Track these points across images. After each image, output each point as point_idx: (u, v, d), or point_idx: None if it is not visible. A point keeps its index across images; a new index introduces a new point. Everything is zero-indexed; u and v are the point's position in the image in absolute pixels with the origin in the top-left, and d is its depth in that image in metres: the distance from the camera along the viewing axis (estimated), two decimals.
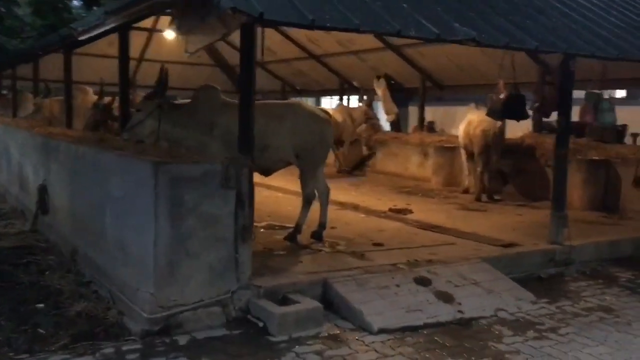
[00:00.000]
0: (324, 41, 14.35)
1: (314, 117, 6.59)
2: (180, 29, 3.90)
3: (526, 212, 9.08)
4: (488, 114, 8.92)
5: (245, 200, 4.66)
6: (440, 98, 17.58)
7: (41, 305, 5.18)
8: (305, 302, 4.67)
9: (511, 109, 8.12)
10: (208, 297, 4.55)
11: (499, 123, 9.86)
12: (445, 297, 5.07)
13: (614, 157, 9.40)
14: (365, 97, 15.71)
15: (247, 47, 4.47)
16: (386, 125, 16.27)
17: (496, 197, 10.19)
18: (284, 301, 4.76)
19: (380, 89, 15.05)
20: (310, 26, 3.92)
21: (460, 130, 10.69)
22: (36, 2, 10.32)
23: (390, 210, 8.95)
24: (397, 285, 5.14)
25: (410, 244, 6.67)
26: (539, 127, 11.22)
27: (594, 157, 9.43)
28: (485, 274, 5.64)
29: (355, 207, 9.17)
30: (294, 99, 6.64)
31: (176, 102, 6.80)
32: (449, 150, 11.92)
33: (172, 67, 16.31)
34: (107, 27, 3.88)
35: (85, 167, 6.00)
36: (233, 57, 17.53)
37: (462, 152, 10.79)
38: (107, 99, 8.35)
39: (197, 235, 4.48)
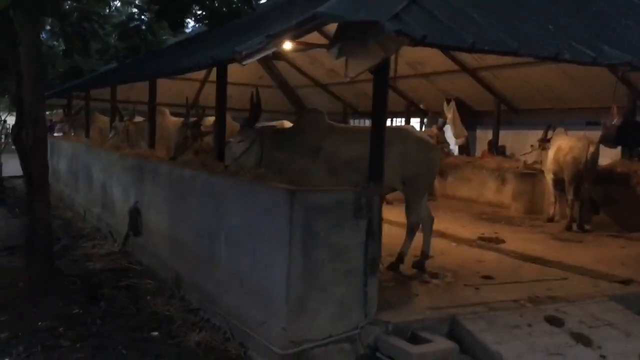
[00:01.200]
0: (392, 63, 14.18)
1: (423, 143, 6.35)
2: (340, 53, 3.75)
3: (627, 245, 8.58)
4: (601, 142, 8.53)
5: (375, 230, 4.43)
6: (511, 122, 17.18)
7: (155, 333, 5.05)
8: (439, 341, 4.39)
9: (626, 136, 7.71)
10: (336, 333, 4.31)
11: (591, 149, 9.44)
12: (584, 340, 4.71)
13: None
14: (430, 120, 15.49)
15: (382, 68, 4.28)
16: (455, 149, 15.94)
17: (586, 227, 9.71)
18: (414, 339, 4.49)
19: (450, 112, 14.77)
20: (470, 49, 3.72)
21: (548, 157, 10.27)
22: (121, 25, 10.45)
23: (480, 239, 8.61)
24: (529, 325, 4.81)
25: (520, 278, 6.31)
26: (629, 154, 10.72)
27: None
28: (617, 314, 5.25)
29: (442, 235, 8.83)
30: (403, 125, 6.43)
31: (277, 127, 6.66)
32: (530, 176, 11.50)
33: (231, 88, 16.48)
34: (268, 51, 3.75)
35: (192, 191, 5.88)
36: (292, 78, 17.55)
37: (549, 178, 10.36)
38: (193, 119, 8.30)
39: (327, 267, 4.27)
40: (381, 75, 4.40)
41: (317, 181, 5.50)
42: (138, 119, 11.99)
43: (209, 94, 16.91)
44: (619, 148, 10.59)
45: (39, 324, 5.19)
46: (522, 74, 12.20)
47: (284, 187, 4.29)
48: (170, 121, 11.31)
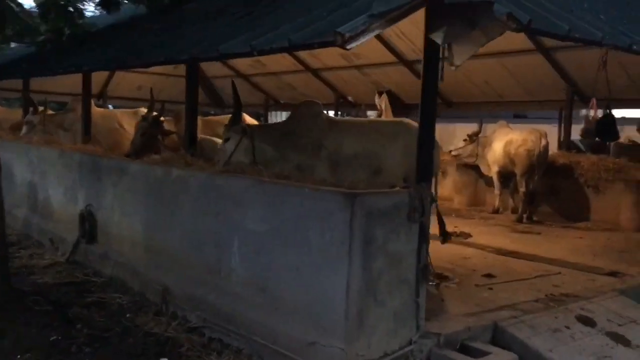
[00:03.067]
0: (326, 54, 13.85)
1: None
2: (446, 38, 3.31)
3: (584, 235, 8.82)
4: (583, 135, 8.63)
5: (427, 235, 4.06)
6: (439, 115, 17.41)
7: (165, 359, 4.37)
8: (498, 352, 4.11)
9: (605, 130, 7.84)
10: (392, 350, 3.90)
11: (544, 142, 9.65)
12: (622, 340, 4.63)
13: None
14: (359, 113, 15.38)
15: (432, 56, 3.89)
16: None
17: (534, 219, 9.92)
18: (464, 350, 4.17)
19: (382, 104, 14.67)
20: (564, 36, 3.43)
21: (494, 150, 10.37)
22: (43, 5, 9.23)
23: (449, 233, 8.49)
24: (567, 327, 4.65)
25: (519, 275, 6.21)
26: (566, 146, 11.10)
27: None
28: (634, 310, 5.24)
29: None
30: (404, 118, 6.05)
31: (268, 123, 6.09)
32: (471, 169, 11.62)
33: (147, 77, 15.47)
34: (371, 34, 3.22)
35: (184, 193, 5.19)
36: (211, 68, 16.72)
37: (494, 171, 10.47)
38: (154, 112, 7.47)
39: (384, 277, 3.84)
40: (432, 64, 4.01)
41: (319, 179, 5.05)
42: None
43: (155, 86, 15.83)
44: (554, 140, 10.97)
45: (18, 357, 4.33)
46: (462, 67, 12.25)
47: (340, 190, 3.80)
48: (97, 112, 10.32)
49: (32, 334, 4.75)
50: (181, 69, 15.81)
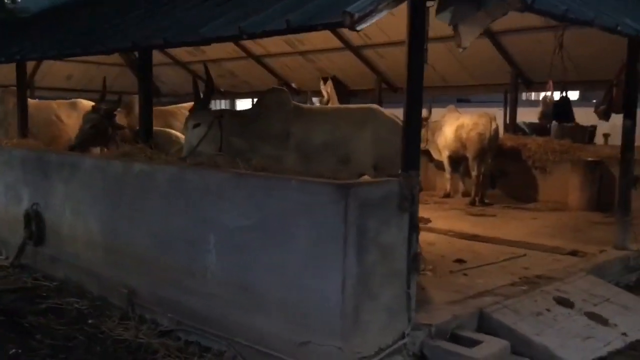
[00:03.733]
0: (269, 40, 13.55)
1: (395, 124, 5.92)
2: (453, 18, 3.14)
3: (537, 216, 8.99)
4: (541, 118, 8.72)
5: (417, 224, 3.94)
6: (384, 101, 17.47)
7: None
8: (490, 341, 4.04)
9: (561, 112, 7.95)
10: (386, 345, 3.77)
11: (494, 125, 9.77)
12: (600, 320, 4.68)
13: (605, 158, 9.59)
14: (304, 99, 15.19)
15: (418, 30, 3.74)
16: None
17: (486, 201, 10.06)
18: (454, 339, 4.10)
19: (327, 91, 14.52)
20: (561, 17, 3.34)
21: (444, 134, 10.43)
22: None
23: None
24: (548, 310, 4.66)
25: (486, 259, 6.22)
26: (512, 129, 11.32)
27: (589, 159, 9.56)
28: (604, 288, 5.34)
29: None
30: (372, 104, 5.87)
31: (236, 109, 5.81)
32: (422, 153, 11.64)
33: (75, 66, 14.71)
34: (380, 14, 2.99)
35: (149, 188, 4.87)
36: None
37: (445, 156, 10.54)
38: (104, 104, 7.00)
39: (377, 270, 3.69)
40: (418, 47, 3.87)
41: (288, 169, 4.87)
42: None
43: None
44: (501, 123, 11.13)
45: None
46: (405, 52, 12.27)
47: (332, 181, 3.60)
48: (31, 104, 9.68)
49: None
50: (114, 57, 15.15)
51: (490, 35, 10.55)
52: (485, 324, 4.37)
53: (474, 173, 9.91)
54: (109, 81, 16.31)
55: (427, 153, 11.25)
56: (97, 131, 6.64)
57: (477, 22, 3.17)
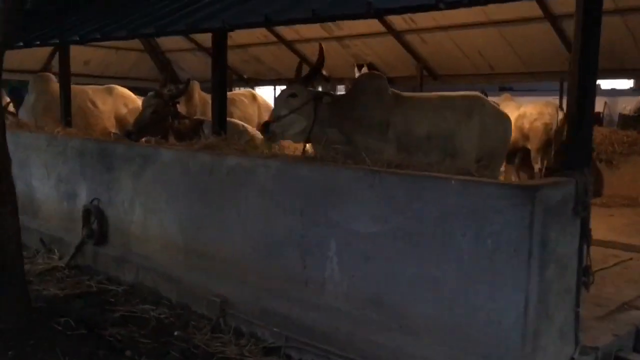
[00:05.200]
0: (302, 25, 12.93)
1: (500, 114, 5.37)
2: None
3: (613, 212, 8.44)
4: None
5: (588, 231, 3.38)
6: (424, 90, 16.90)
7: None
8: None
9: None
10: None
11: (561, 115, 9.20)
12: None
13: None
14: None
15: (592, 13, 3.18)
16: None
17: None
18: None
19: None
20: None
21: None
22: None
23: None
24: None
25: (595, 263, 5.65)
26: None
27: None
28: None
29: None
30: (474, 92, 5.33)
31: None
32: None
33: (93, 51, 14.06)
34: None
35: (246, 186, 4.30)
36: (166, 42, 15.44)
37: None
38: (168, 89, 6.38)
39: (553, 287, 3.14)
40: (593, 21, 3.30)
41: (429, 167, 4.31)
42: None
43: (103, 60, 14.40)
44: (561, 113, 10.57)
45: None
46: (454, 37, 11.68)
47: (510, 182, 3.04)
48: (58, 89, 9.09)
49: None
50: (133, 43, 14.50)
51: (553, 18, 9.96)
52: None
53: (537, 166, 9.35)
54: (127, 67, 15.68)
55: None
56: (158, 117, 6.04)
57: None
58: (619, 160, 9.38)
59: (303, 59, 14.82)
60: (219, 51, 5.59)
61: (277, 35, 13.81)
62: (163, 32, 5.66)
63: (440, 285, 3.25)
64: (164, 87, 6.45)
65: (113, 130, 9.79)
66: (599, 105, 12.74)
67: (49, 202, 6.45)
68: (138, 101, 10.45)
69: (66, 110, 7.63)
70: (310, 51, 14.55)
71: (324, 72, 15.17)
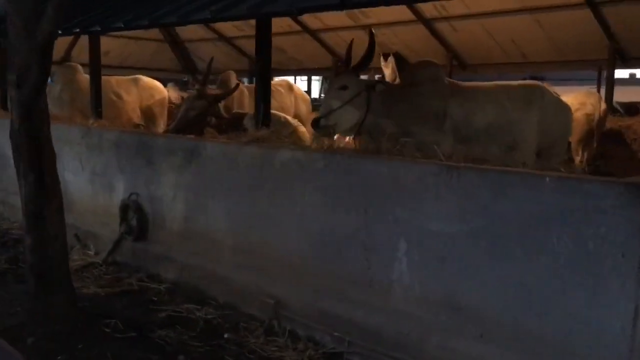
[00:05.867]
0: (328, 14, 12.62)
1: (562, 104, 5.10)
2: None
3: None
4: None
5: None
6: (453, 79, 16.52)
7: None
8: None
9: None
10: None
11: (603, 105, 8.87)
12: None
13: None
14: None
15: None
16: None
17: None
18: None
19: (388, 68, 13.59)
20: None
21: None
22: None
23: None
24: None
25: None
26: (611, 109, 10.39)
27: None
28: None
29: None
30: (535, 82, 5.08)
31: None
32: None
33: (111, 41, 13.84)
34: None
35: (302, 181, 4.06)
36: (185, 32, 15.20)
37: None
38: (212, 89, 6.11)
39: None
40: None
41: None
42: None
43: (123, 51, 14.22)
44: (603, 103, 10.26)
45: None
46: (486, 25, 11.34)
47: (613, 179, 2.77)
48: (85, 80, 8.90)
49: None
50: (153, 32, 14.24)
51: (593, 5, 9.60)
52: None
53: (577, 158, 9.01)
54: (147, 57, 15.41)
55: None
56: (201, 119, 5.81)
57: None
58: None
59: (327, 48, 14.58)
60: (263, 39, 5.33)
61: (300, 24, 13.52)
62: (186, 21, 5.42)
63: (529, 291, 3.00)
64: (204, 86, 6.17)
65: (138, 122, 9.60)
66: (636, 96, 12.36)
67: (83, 196, 6.25)
68: (165, 92, 10.24)
69: (97, 102, 7.40)
70: (335, 41, 14.25)
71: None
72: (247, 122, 5.85)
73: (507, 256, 3.07)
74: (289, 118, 6.42)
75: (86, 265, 5.79)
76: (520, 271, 3.02)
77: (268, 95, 5.41)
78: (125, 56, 14.85)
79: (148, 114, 9.82)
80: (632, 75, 15.17)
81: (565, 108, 5.17)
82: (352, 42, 4.90)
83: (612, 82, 10.27)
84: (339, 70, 4.88)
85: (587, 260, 2.79)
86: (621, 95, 10.93)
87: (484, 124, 4.70)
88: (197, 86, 6.13)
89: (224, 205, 4.66)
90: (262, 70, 5.37)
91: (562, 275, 2.88)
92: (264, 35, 5.36)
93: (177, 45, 16.14)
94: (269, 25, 5.37)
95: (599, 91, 10.71)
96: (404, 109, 4.68)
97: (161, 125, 9.99)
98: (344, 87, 4.56)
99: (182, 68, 17.16)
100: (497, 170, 3.17)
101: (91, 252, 6.05)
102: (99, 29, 6.58)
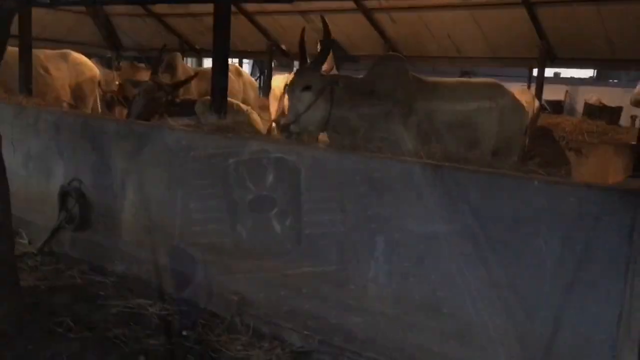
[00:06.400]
0: None
1: (518, 103, 5.19)
2: None
3: None
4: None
5: None
6: None
7: None
8: None
9: None
10: None
11: (537, 103, 9.19)
12: None
13: None
14: None
15: None
16: None
17: None
18: None
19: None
20: None
21: None
22: None
23: None
24: None
25: None
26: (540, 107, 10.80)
27: (631, 142, 9.15)
28: None
29: None
30: (492, 79, 5.02)
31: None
32: None
33: (44, 14, 13.04)
34: None
35: (268, 173, 3.91)
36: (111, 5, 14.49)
37: None
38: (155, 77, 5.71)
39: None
40: None
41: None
42: None
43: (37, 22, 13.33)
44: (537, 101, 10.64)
45: None
46: (425, 18, 11.49)
47: (604, 185, 2.81)
48: (14, 54, 8.27)
49: None
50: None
51: (528, 4, 9.91)
52: None
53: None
54: (64, 30, 14.52)
55: None
56: (156, 107, 5.50)
57: None
58: (588, 150, 9.47)
59: (263, 32, 14.32)
60: (222, 21, 5.10)
61: (238, 7, 13.20)
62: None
63: (515, 294, 3.02)
64: (156, 75, 5.82)
65: (67, 99, 9.06)
66: (560, 94, 12.98)
67: (15, 181, 5.77)
68: (95, 69, 9.70)
69: (27, 78, 6.89)
70: (272, 24, 14.03)
71: (283, 47, 14.73)
72: (199, 108, 5.61)
73: (493, 259, 3.07)
74: (242, 105, 6.21)
75: (19, 255, 5.37)
76: (506, 274, 3.03)
77: (226, 81, 5.19)
78: (41, 27, 13.95)
79: (77, 92, 9.25)
80: (557, 74, 15.96)
81: (521, 107, 5.28)
82: (303, 34, 4.75)
83: (542, 81, 10.67)
84: (299, 69, 4.72)
85: (574, 265, 2.83)
86: (546, 93, 11.40)
87: (446, 120, 4.71)
88: (151, 76, 5.80)
89: (183, 196, 4.43)
90: (221, 55, 5.13)
91: (549, 279, 2.91)
92: (222, 19, 5.13)
93: (100, 18, 15.36)
94: (228, 7, 5.15)
95: (529, 89, 11.11)
96: (369, 102, 4.61)
97: (90, 104, 9.47)
98: (308, 87, 4.43)
99: (104, 43, 16.34)
100: (485, 172, 3.17)
101: (24, 241, 5.62)
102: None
